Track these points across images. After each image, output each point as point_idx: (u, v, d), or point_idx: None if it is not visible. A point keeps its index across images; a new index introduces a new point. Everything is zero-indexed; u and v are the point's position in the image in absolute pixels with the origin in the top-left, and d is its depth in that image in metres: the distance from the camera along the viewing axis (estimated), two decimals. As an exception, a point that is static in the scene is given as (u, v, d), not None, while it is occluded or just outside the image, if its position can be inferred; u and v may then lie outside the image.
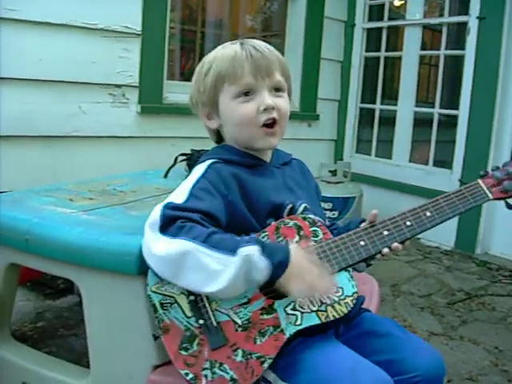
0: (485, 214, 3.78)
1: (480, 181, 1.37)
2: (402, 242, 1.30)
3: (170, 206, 1.15)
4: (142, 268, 1.36)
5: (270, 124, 1.31)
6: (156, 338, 1.21)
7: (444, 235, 3.93)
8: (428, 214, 1.31)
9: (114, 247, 1.42)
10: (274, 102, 1.30)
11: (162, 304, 1.20)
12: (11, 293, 1.84)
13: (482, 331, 2.63)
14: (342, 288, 1.22)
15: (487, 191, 1.35)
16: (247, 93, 1.30)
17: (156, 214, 1.14)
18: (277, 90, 1.33)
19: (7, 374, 1.74)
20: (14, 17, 2.82)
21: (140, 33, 3.32)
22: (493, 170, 1.39)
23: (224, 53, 1.33)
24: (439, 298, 3.04)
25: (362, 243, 1.27)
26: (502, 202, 1.40)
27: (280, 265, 1.08)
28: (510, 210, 1.39)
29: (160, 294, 1.21)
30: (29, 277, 2.60)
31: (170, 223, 1.12)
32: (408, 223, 1.29)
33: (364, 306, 1.43)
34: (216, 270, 1.07)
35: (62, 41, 3.02)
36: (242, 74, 1.29)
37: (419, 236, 4.04)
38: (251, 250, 1.06)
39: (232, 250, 1.07)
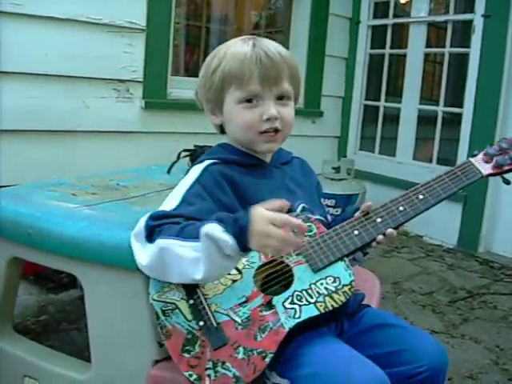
0: (487, 213, 3.77)
1: (472, 159, 1.36)
2: (396, 228, 1.30)
3: (155, 216, 1.18)
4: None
5: (272, 132, 1.31)
6: (161, 345, 1.22)
7: (447, 233, 3.93)
8: (420, 196, 1.31)
9: (117, 242, 1.43)
10: (278, 111, 1.30)
11: (163, 311, 1.22)
12: (13, 287, 1.84)
13: (483, 330, 2.63)
14: (338, 278, 1.23)
15: (480, 168, 1.34)
16: (252, 99, 1.29)
17: (141, 224, 1.18)
18: (283, 98, 1.33)
19: (9, 367, 1.75)
20: (19, 11, 2.81)
21: (144, 28, 3.32)
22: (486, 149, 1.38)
23: (235, 52, 1.31)
24: (441, 296, 3.05)
25: (356, 232, 1.28)
26: (505, 200, 1.40)
27: (241, 231, 1.06)
28: (507, 185, 1.39)
29: (161, 301, 1.23)
30: (32, 270, 2.61)
31: (154, 232, 1.16)
32: (401, 208, 1.30)
33: (365, 303, 1.44)
34: (193, 257, 1.09)
35: (67, 36, 3.01)
36: (249, 80, 1.28)
37: (422, 234, 4.07)
38: (209, 229, 1.07)
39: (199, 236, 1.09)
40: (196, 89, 1.43)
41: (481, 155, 1.37)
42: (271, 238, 1.05)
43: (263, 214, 1.07)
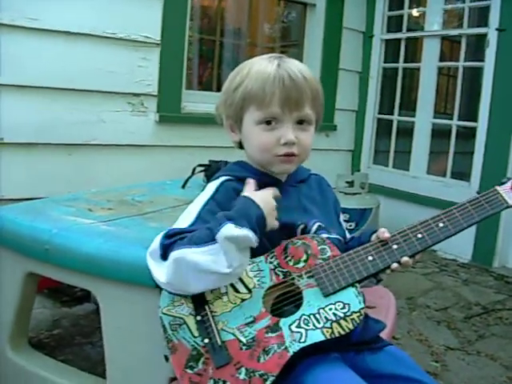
0: (503, 227, 3.75)
1: (498, 187, 1.29)
2: (412, 256, 1.26)
3: (169, 235, 1.18)
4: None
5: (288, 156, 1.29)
6: (167, 359, 1.22)
7: (461, 248, 3.89)
8: (441, 224, 1.25)
9: (133, 259, 1.44)
10: (296, 136, 1.26)
11: (171, 325, 1.22)
12: (29, 302, 1.85)
13: (499, 346, 2.60)
14: (348, 304, 1.20)
15: (506, 197, 1.28)
16: (271, 121, 1.26)
17: (156, 243, 1.18)
18: (303, 122, 1.29)
19: (24, 382, 1.75)
20: (36, 26, 2.85)
21: (159, 42, 3.35)
22: None
23: (258, 71, 1.27)
24: (456, 311, 3.02)
25: (370, 258, 1.24)
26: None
27: (258, 221, 1.15)
28: None
29: (170, 315, 1.22)
30: (46, 284, 2.61)
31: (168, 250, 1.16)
32: (419, 235, 1.25)
33: (380, 319, 1.41)
34: (210, 260, 1.11)
35: (83, 50, 3.05)
36: (269, 103, 1.24)
37: (436, 248, 4.04)
38: (227, 231, 1.10)
39: (212, 238, 1.11)
40: (217, 104, 1.40)
41: (509, 184, 1.30)
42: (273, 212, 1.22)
43: (265, 197, 1.22)
